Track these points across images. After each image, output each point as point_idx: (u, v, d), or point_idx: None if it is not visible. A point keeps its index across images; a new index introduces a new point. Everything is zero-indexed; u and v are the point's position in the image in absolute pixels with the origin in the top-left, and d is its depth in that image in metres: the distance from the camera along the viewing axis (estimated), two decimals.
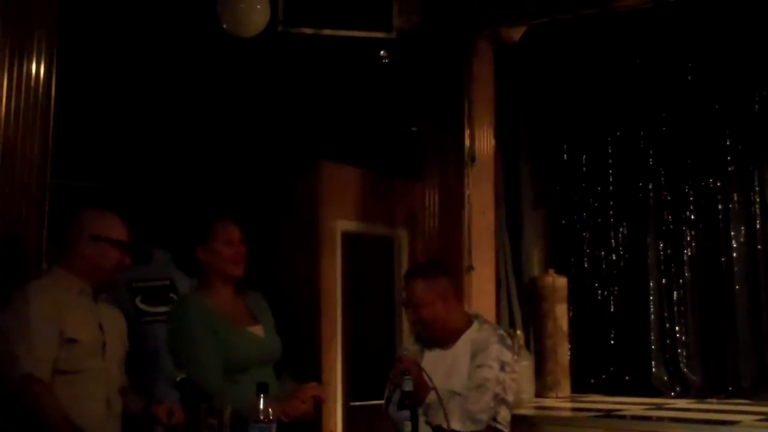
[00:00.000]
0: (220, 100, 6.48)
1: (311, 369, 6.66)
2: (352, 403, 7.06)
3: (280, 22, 5.89)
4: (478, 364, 3.29)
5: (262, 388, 2.70)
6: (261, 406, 2.68)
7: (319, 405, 3.23)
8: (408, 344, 3.58)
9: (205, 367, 3.16)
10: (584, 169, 10.29)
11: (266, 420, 2.67)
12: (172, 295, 4.18)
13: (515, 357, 3.37)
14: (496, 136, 7.13)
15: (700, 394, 9.19)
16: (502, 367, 3.29)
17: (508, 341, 3.41)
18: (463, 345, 3.37)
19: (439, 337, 3.41)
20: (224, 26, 5.51)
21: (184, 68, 6.22)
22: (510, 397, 3.31)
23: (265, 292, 3.57)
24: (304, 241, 7.03)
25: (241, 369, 3.21)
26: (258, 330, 3.37)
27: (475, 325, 3.43)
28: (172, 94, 6.19)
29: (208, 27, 5.56)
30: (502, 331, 3.47)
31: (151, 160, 6.18)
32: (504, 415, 3.32)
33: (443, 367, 3.35)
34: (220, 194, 6.24)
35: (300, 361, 3.53)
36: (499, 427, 3.32)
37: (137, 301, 4.06)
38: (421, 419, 3.20)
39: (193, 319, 3.23)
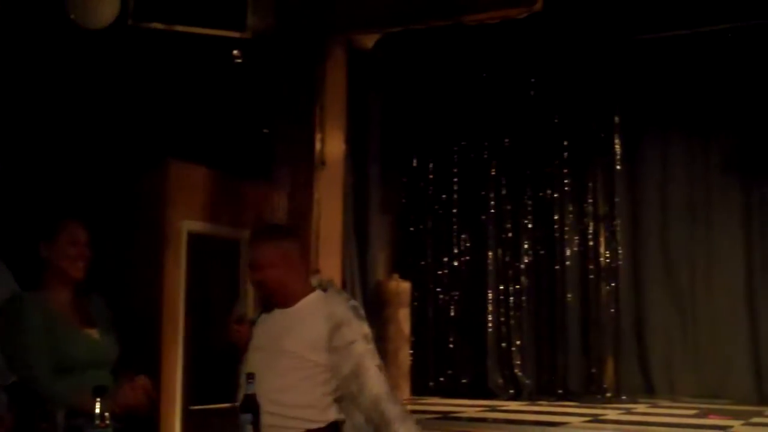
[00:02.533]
0: (64, 93, 6.24)
1: (150, 372, 6.50)
2: (193, 407, 6.95)
3: (130, 16, 5.73)
4: (350, 340, 3.23)
5: (98, 391, 2.64)
6: (97, 410, 2.62)
7: (151, 398, 3.17)
8: (240, 308, 3.47)
9: (38, 369, 3.05)
10: (431, 176, 10.56)
11: (102, 424, 2.61)
12: None
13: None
14: (347, 141, 7.19)
15: (533, 397, 9.60)
16: (366, 339, 3.29)
17: (361, 311, 3.39)
18: (308, 307, 3.28)
19: (281, 301, 3.34)
20: (72, 16, 5.32)
21: (27, 58, 5.95)
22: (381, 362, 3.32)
23: (106, 293, 3.48)
24: (147, 241, 6.86)
25: (74, 370, 3.14)
26: (94, 332, 3.30)
27: (323, 292, 3.36)
28: (10, 84, 5.91)
29: (55, 16, 5.35)
30: (354, 302, 3.43)
31: None
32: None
33: (279, 326, 3.28)
34: (62, 191, 6.01)
35: (138, 364, 3.44)
36: None
37: None
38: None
39: (26, 319, 3.12)
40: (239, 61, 6.65)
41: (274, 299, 3.33)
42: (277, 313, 3.32)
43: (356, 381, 3.19)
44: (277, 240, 3.37)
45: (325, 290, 3.39)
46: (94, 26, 5.43)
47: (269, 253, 3.29)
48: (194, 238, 7.16)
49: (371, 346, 3.28)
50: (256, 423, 2.93)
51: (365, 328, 3.31)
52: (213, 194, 7.30)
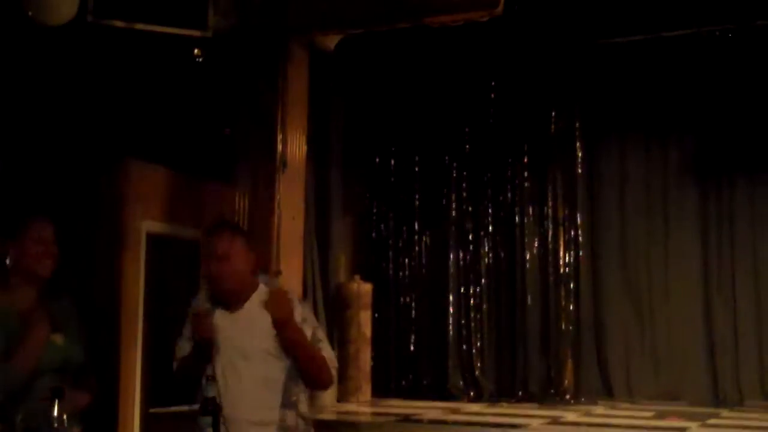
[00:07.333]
0: (22, 91, 6.13)
1: (109, 375, 6.43)
2: (152, 410, 6.88)
3: (89, 13, 5.65)
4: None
5: (56, 393, 2.59)
6: (55, 413, 2.58)
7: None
8: (201, 302, 3.42)
9: None
10: (392, 178, 10.56)
11: (61, 427, 2.57)
12: None
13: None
14: (309, 142, 7.17)
15: (493, 399, 9.64)
16: (305, 320, 3.31)
17: (302, 300, 3.47)
18: (255, 306, 3.28)
19: (232, 294, 3.32)
20: (29, 13, 5.23)
21: None
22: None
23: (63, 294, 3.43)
24: (106, 241, 6.78)
25: (35, 375, 3.08)
26: (57, 337, 3.23)
27: (263, 287, 3.39)
28: None
29: (12, 13, 5.25)
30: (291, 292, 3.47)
31: None
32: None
33: (239, 328, 3.28)
34: (21, 190, 5.91)
35: (96, 367, 3.40)
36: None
37: None
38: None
39: None
40: (200, 60, 6.59)
41: (228, 294, 3.31)
42: (230, 317, 3.32)
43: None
44: (240, 233, 3.44)
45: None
46: (52, 23, 5.34)
47: (236, 244, 3.31)
48: (153, 239, 7.09)
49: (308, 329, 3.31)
50: (215, 426, 2.90)
51: (306, 312, 3.33)
52: (173, 195, 7.24)
